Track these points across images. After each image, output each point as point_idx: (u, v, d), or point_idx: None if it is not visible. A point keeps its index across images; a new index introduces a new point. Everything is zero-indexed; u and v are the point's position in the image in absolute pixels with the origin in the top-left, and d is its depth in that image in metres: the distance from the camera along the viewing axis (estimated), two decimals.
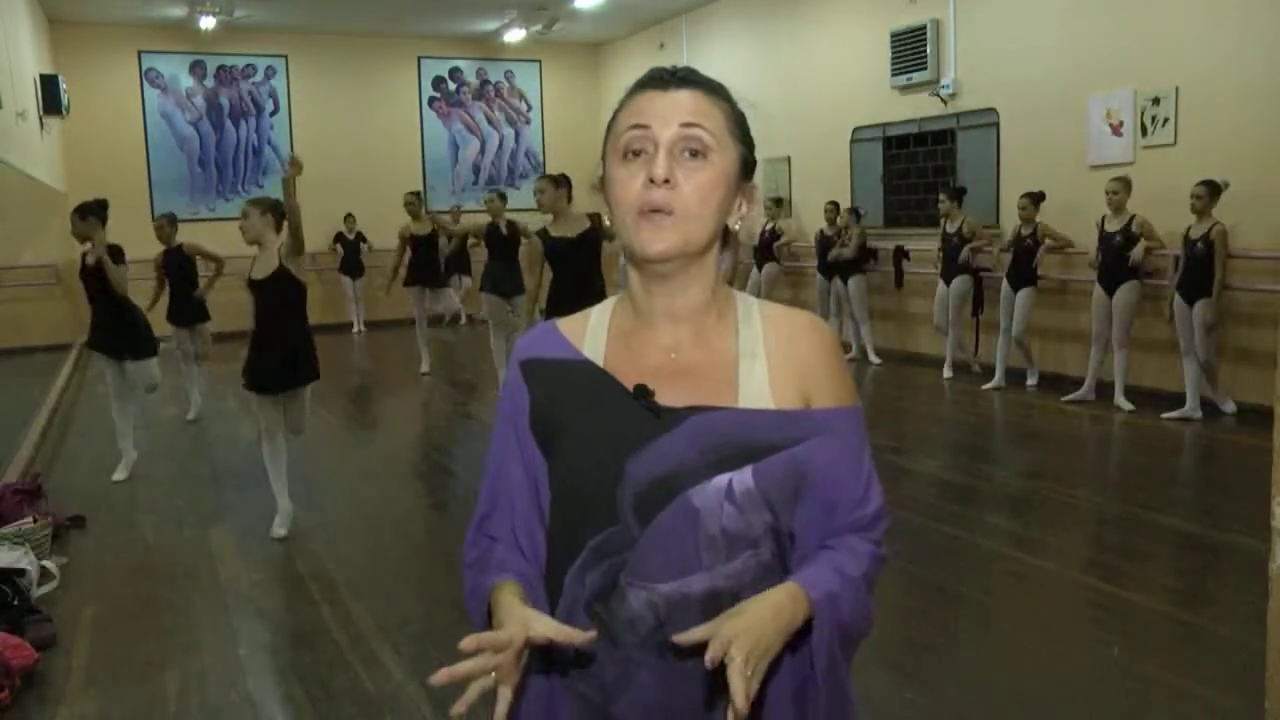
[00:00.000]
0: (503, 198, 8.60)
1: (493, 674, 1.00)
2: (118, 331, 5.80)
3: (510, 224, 8.25)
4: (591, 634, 1.04)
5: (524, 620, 1.04)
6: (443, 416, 8.08)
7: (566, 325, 1.22)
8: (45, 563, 4.22)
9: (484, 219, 8.76)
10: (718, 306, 1.18)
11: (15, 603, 3.76)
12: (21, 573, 3.90)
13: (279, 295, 4.59)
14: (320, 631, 3.71)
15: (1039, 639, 3.52)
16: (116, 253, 5.76)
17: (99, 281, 5.72)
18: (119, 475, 5.88)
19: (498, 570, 1.17)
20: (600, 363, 1.17)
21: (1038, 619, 3.70)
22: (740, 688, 0.96)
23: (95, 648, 3.63)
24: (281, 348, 4.62)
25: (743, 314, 1.18)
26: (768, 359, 1.14)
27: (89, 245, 5.75)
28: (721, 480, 1.08)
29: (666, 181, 1.08)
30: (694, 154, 1.10)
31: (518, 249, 8.16)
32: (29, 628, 3.63)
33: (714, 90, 1.15)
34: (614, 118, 1.15)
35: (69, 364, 10.00)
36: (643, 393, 1.12)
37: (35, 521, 4.63)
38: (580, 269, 5.83)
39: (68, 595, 4.12)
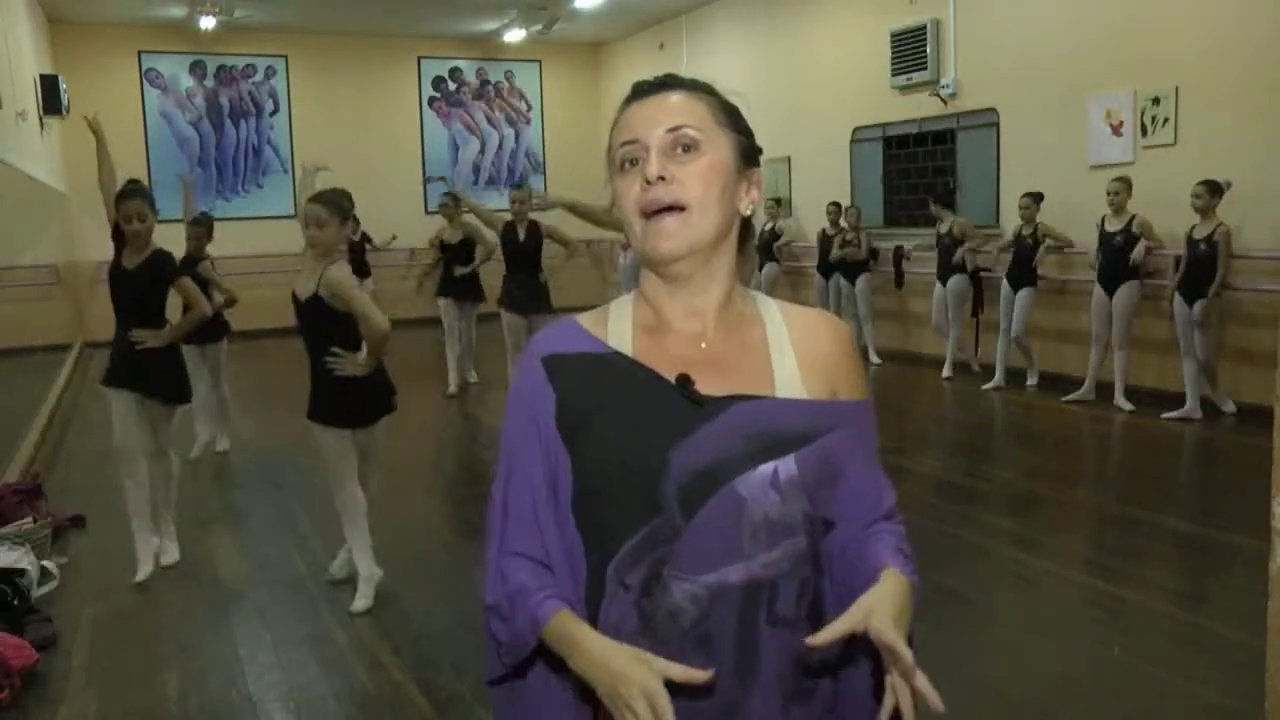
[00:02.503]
0: (530, 193, 7.02)
1: None
2: (144, 361, 4.19)
3: (533, 227, 6.89)
4: (710, 673, 1.03)
5: (647, 665, 1.03)
6: (445, 419, 8.07)
7: (586, 320, 1.21)
8: (45, 563, 4.22)
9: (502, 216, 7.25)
10: (736, 302, 1.20)
11: (15, 603, 3.76)
12: (21, 573, 3.91)
13: (318, 320, 3.68)
14: (320, 632, 3.71)
15: (1039, 639, 3.52)
16: (171, 261, 4.32)
17: (138, 292, 4.20)
18: (142, 572, 4.23)
19: (540, 593, 1.12)
20: (629, 354, 1.16)
21: (1038, 619, 3.70)
22: (898, 640, 1.01)
23: (95, 648, 3.63)
24: (328, 381, 3.70)
25: (763, 309, 1.21)
26: (795, 352, 1.16)
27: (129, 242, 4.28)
28: (767, 468, 1.09)
29: (662, 179, 1.10)
30: (686, 149, 1.12)
31: (539, 258, 6.88)
32: (29, 628, 3.63)
33: (696, 87, 1.17)
34: (610, 139, 1.17)
35: (69, 364, 10.00)
36: (685, 382, 1.12)
37: (35, 521, 4.64)
38: None
39: (68, 595, 4.12)
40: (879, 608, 1.03)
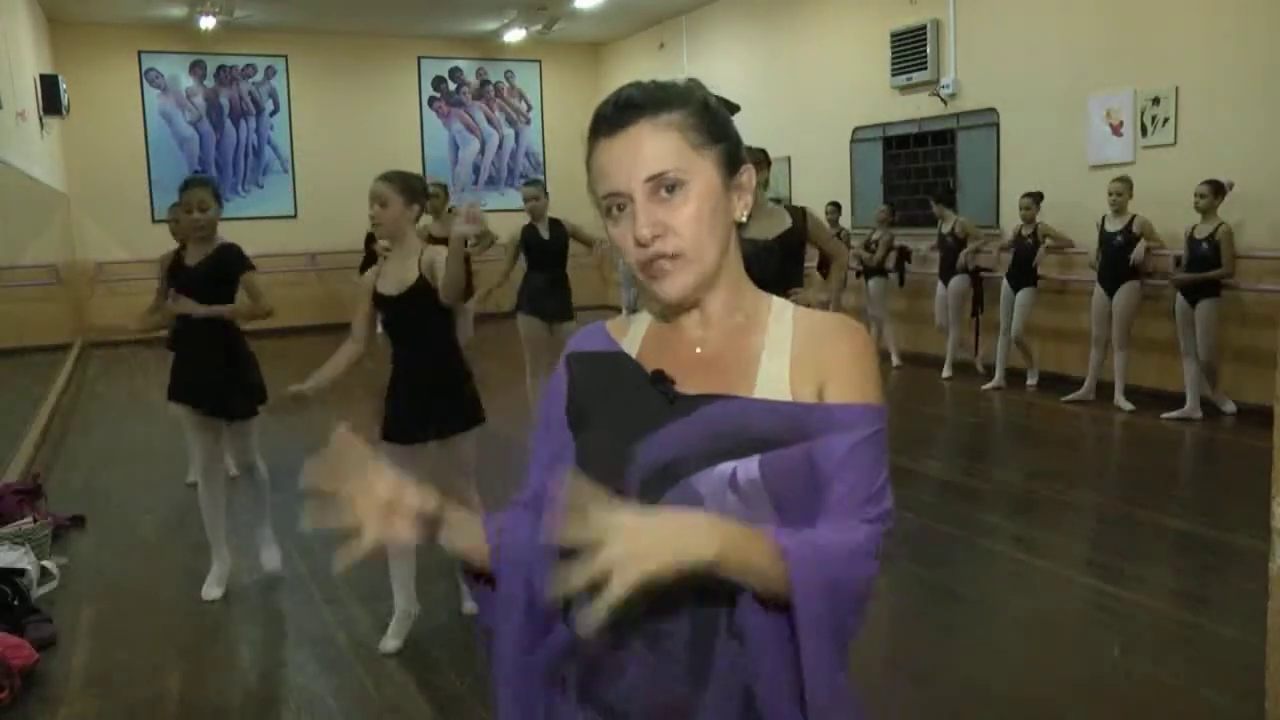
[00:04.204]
0: (544, 190, 6.35)
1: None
2: (214, 374, 3.92)
3: (555, 225, 6.27)
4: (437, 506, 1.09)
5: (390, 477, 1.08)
6: None
7: (613, 325, 1.26)
8: (45, 563, 4.22)
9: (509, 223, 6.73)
10: (747, 307, 1.18)
11: (15, 603, 3.76)
12: (21, 573, 3.91)
13: (416, 317, 3.39)
14: (321, 631, 3.71)
15: (1039, 638, 3.52)
16: (239, 254, 3.97)
17: (202, 290, 3.87)
18: (210, 592, 4.02)
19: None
20: (634, 355, 1.20)
21: (1038, 619, 3.70)
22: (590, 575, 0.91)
23: (95, 648, 3.63)
24: (418, 385, 3.47)
25: (775, 315, 1.18)
26: (791, 355, 1.14)
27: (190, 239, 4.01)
28: (726, 468, 1.07)
29: (657, 236, 1.08)
30: (670, 189, 1.08)
31: (565, 259, 6.31)
32: (29, 628, 3.63)
33: (663, 108, 1.10)
34: (588, 177, 1.14)
35: (69, 364, 10.00)
36: (660, 378, 1.14)
37: (35, 521, 4.64)
38: (776, 275, 4.03)
39: (68, 595, 4.12)
40: (620, 529, 0.93)
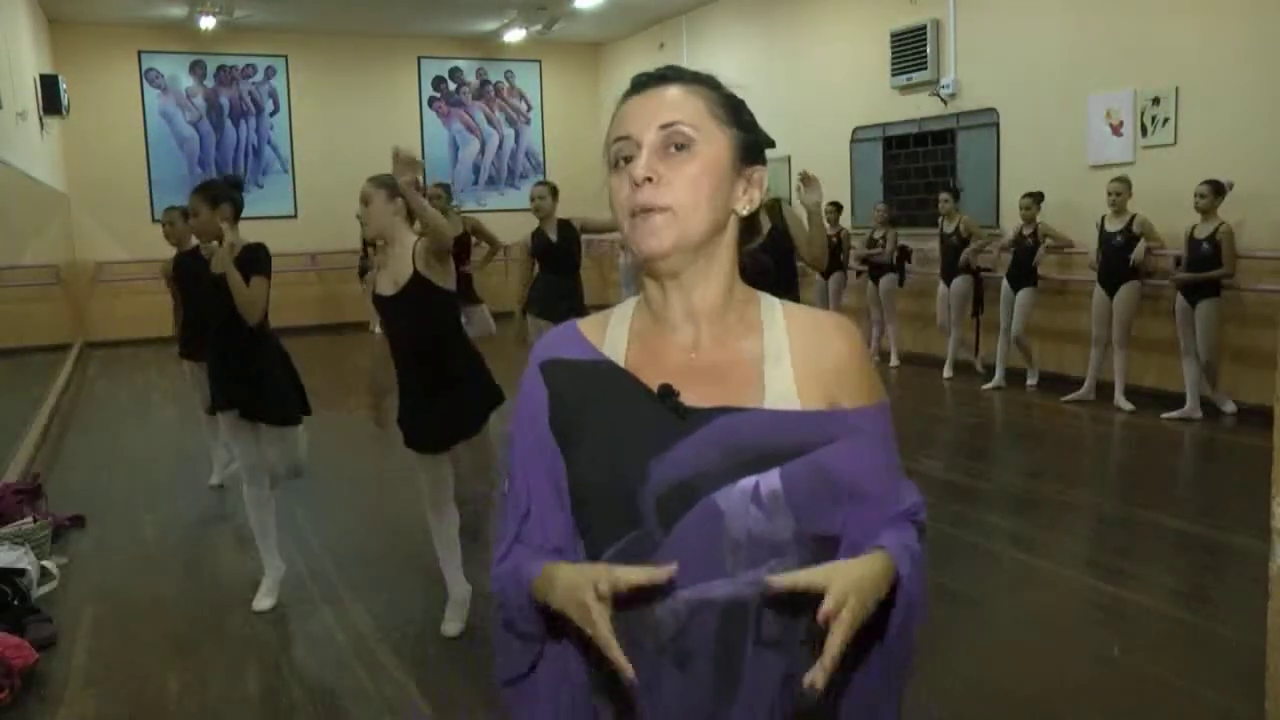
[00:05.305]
0: (554, 191, 6.08)
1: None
2: (243, 376, 3.89)
3: (564, 226, 6.00)
4: (673, 568, 1.02)
5: (602, 572, 1.03)
6: None
7: (586, 326, 1.20)
8: (45, 563, 4.22)
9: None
10: (737, 306, 1.15)
11: (15, 603, 3.76)
12: (21, 573, 3.91)
13: (417, 314, 3.35)
14: (320, 631, 3.71)
15: (1039, 639, 3.52)
16: (254, 258, 3.84)
17: (227, 294, 3.78)
18: (261, 603, 3.93)
19: (535, 560, 1.15)
20: (621, 363, 1.15)
21: (1038, 619, 3.70)
22: (836, 651, 1.00)
23: (95, 648, 3.63)
24: (430, 387, 3.46)
25: (766, 314, 1.16)
26: (793, 360, 1.12)
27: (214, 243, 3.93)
28: (748, 483, 1.06)
29: (650, 180, 1.07)
30: (679, 147, 1.08)
31: (578, 259, 6.10)
32: (29, 628, 3.63)
33: (695, 81, 1.13)
34: (607, 132, 1.14)
35: (69, 364, 10.00)
36: (668, 393, 1.10)
37: (35, 521, 4.64)
38: (775, 278, 3.57)
39: (68, 595, 4.12)
40: (854, 594, 1.02)
